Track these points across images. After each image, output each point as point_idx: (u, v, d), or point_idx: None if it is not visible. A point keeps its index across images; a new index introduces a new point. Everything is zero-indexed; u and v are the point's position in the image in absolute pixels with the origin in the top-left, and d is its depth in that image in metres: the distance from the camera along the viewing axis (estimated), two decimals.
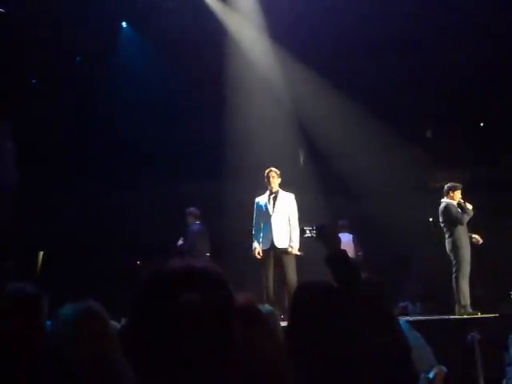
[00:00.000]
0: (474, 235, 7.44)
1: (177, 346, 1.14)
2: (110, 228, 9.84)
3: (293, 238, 7.05)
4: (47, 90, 9.98)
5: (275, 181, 7.29)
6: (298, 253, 7.11)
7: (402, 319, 3.70)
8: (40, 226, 9.00)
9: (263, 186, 7.41)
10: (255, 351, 1.40)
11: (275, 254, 7.14)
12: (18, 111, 9.21)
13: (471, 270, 7.30)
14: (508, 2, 8.69)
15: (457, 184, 7.61)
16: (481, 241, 7.44)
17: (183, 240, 8.48)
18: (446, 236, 7.45)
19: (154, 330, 1.15)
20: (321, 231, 2.64)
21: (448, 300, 7.56)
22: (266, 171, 7.34)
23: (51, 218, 9.42)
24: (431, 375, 3.68)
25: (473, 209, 7.39)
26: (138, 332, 1.18)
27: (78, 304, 2.28)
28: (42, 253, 9.63)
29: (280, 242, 7.13)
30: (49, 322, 2.34)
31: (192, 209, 8.50)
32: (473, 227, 7.54)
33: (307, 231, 2.76)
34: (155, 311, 1.16)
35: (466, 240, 7.37)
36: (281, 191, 7.34)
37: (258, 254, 7.22)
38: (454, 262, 7.33)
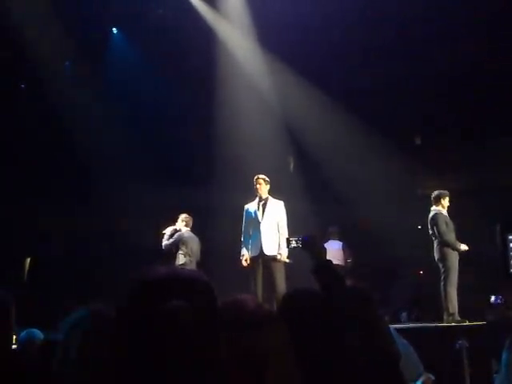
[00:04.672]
0: (461, 244, 7.44)
1: (163, 353, 1.13)
2: (97, 234, 9.80)
3: (282, 246, 7.01)
4: (35, 94, 9.94)
5: (263, 188, 7.28)
6: (287, 260, 7.09)
7: (391, 326, 3.69)
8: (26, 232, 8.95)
9: (253, 193, 7.40)
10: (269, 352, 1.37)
11: (264, 261, 7.12)
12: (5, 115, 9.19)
13: (459, 277, 7.32)
14: (496, 5, 8.75)
15: (444, 191, 7.61)
16: (466, 248, 7.42)
17: (169, 240, 8.30)
18: (435, 244, 7.46)
19: (140, 337, 1.14)
20: (306, 242, 2.64)
21: (436, 308, 7.57)
22: (254, 178, 7.33)
23: (36, 225, 9.37)
24: (419, 383, 3.67)
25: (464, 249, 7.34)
26: (124, 339, 1.17)
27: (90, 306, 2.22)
28: (28, 259, 9.58)
29: (269, 249, 7.11)
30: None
31: (184, 215, 8.44)
32: (461, 234, 7.56)
33: (293, 242, 2.77)
34: (141, 319, 1.15)
35: None
36: (270, 198, 7.32)
37: (246, 261, 7.20)
38: (442, 270, 7.33)
